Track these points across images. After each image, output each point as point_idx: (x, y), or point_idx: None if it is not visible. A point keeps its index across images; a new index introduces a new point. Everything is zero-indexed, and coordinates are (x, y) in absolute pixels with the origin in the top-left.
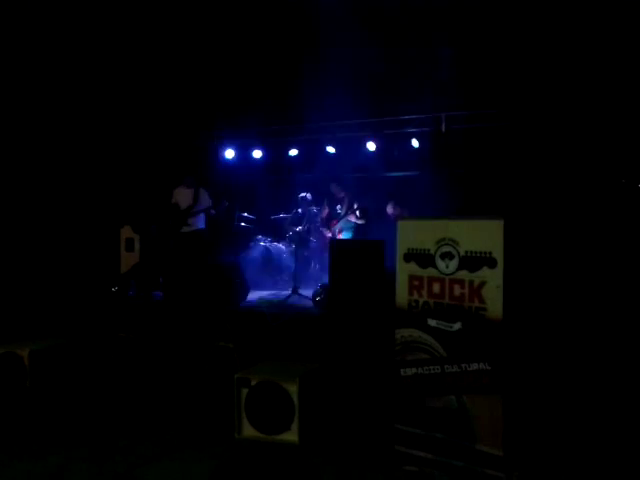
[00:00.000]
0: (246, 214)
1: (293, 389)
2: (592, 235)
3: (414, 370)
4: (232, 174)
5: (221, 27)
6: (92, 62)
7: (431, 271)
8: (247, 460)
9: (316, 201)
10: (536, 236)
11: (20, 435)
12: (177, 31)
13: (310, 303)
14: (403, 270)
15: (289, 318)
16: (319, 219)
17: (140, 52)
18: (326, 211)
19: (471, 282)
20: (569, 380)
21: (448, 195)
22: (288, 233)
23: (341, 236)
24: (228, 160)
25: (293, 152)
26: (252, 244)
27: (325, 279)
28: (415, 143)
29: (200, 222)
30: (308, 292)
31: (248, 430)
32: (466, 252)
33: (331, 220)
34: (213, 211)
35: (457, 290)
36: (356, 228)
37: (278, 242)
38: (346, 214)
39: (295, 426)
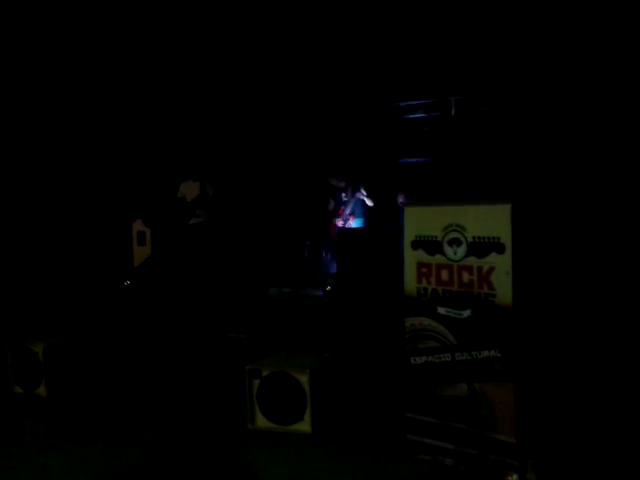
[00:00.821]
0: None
1: (304, 379)
2: (602, 219)
3: (424, 358)
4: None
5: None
6: (104, 58)
7: (439, 258)
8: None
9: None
10: (545, 220)
11: (38, 430)
12: (178, 25)
13: (320, 293)
14: (411, 257)
15: (299, 308)
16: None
17: (149, 47)
18: (331, 204)
19: (480, 268)
20: (581, 366)
21: (461, 180)
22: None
23: (352, 222)
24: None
25: None
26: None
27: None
28: (425, 128)
29: (205, 214)
30: (319, 283)
31: (261, 421)
32: (474, 238)
33: (339, 209)
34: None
35: (466, 277)
36: (366, 214)
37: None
38: (353, 196)
39: (307, 416)
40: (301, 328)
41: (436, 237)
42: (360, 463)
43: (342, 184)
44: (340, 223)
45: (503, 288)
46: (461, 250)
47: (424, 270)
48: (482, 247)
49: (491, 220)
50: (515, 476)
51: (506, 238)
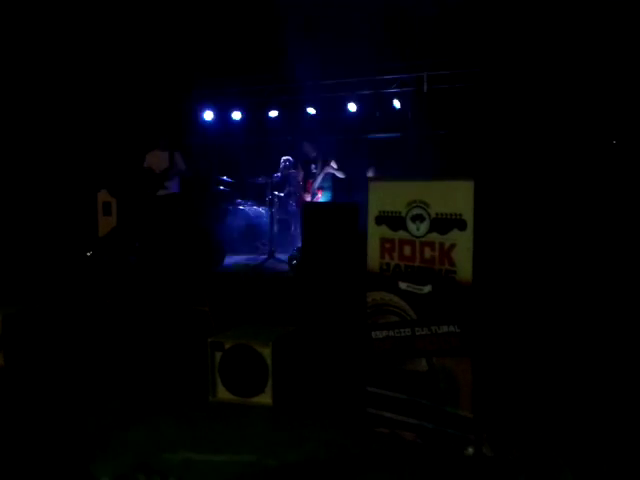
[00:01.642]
0: (225, 177)
1: (267, 352)
2: (562, 197)
3: (385, 333)
4: (211, 136)
5: None
6: (69, 24)
7: (402, 234)
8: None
9: (296, 165)
10: (507, 198)
11: None
12: None
13: (286, 267)
14: (375, 233)
15: (264, 282)
16: (296, 182)
17: (116, 10)
18: (301, 174)
19: (441, 244)
20: (537, 341)
21: (430, 157)
22: (268, 197)
23: (320, 196)
24: (207, 122)
25: (273, 113)
26: (231, 208)
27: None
28: (397, 104)
29: (175, 186)
30: (286, 256)
31: (222, 393)
32: (437, 214)
33: (307, 181)
34: (189, 173)
35: (428, 253)
36: (335, 189)
37: (258, 206)
38: (322, 170)
39: (269, 389)
40: (266, 302)
41: (400, 213)
42: (319, 436)
43: (314, 154)
44: (308, 197)
45: (464, 264)
46: (424, 226)
47: (387, 245)
48: (444, 223)
49: (454, 197)
50: (471, 449)
51: (468, 215)
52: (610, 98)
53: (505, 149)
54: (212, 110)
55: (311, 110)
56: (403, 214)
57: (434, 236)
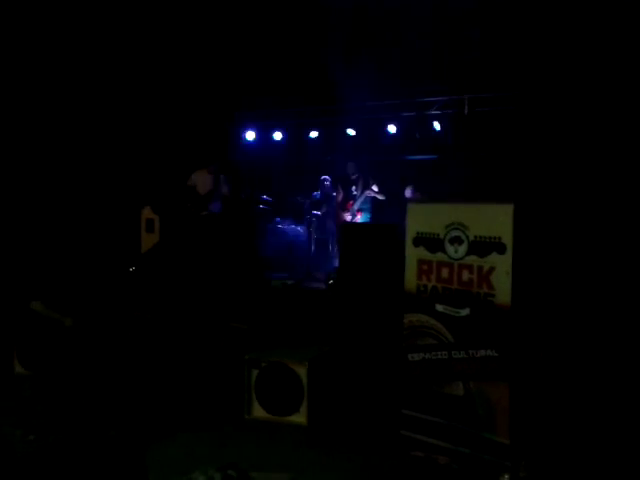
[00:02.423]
0: (265, 196)
1: (302, 371)
2: (604, 222)
3: (422, 355)
4: (252, 156)
5: (244, 9)
6: (114, 44)
7: (440, 256)
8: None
9: (335, 185)
10: (547, 222)
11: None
12: (199, 12)
13: (323, 286)
14: (412, 254)
15: (301, 301)
16: (335, 203)
17: (163, 33)
18: (341, 194)
19: (480, 267)
20: (577, 368)
21: (469, 179)
22: (306, 216)
23: (359, 217)
24: (249, 142)
25: (313, 134)
26: (270, 227)
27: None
28: (437, 126)
29: (216, 206)
30: (323, 275)
31: (258, 411)
32: (475, 237)
33: (347, 202)
34: (229, 196)
35: (466, 275)
36: (374, 209)
37: (296, 225)
38: (363, 192)
39: (304, 408)
40: (303, 320)
41: (438, 235)
42: (353, 457)
43: (355, 175)
44: (348, 217)
45: (502, 288)
46: (462, 249)
47: (425, 267)
48: (483, 246)
49: (493, 220)
50: (507, 476)
51: (507, 238)
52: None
53: (545, 172)
54: (254, 130)
55: (351, 131)
56: (441, 236)
57: (472, 259)
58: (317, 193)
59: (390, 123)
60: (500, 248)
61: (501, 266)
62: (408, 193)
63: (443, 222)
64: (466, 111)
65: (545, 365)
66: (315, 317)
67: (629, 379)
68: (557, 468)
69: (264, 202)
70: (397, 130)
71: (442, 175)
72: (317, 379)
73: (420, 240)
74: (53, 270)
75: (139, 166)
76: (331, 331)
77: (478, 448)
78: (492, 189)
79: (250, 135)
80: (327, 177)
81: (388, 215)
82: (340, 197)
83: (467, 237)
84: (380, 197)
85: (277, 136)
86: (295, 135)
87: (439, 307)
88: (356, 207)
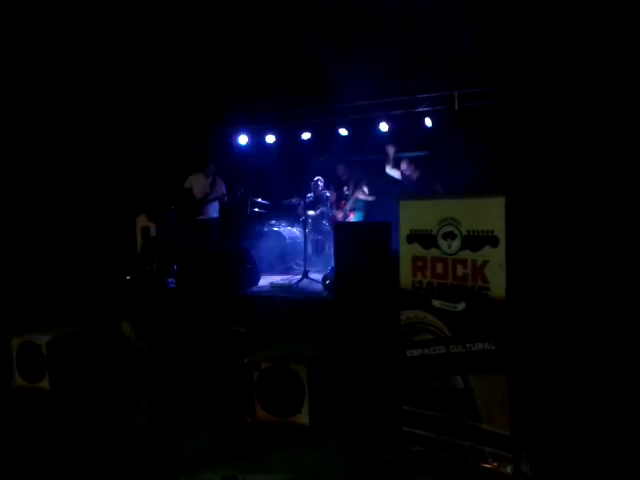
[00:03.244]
0: (260, 199)
1: (303, 372)
2: (595, 213)
3: (420, 351)
4: (245, 160)
5: (233, 11)
6: (104, 50)
7: (434, 252)
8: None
9: (328, 185)
10: (538, 214)
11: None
12: (187, 15)
13: (320, 287)
14: (406, 251)
15: (299, 302)
16: (329, 203)
17: (151, 36)
18: (334, 194)
19: (474, 262)
20: (574, 358)
21: (462, 174)
22: (301, 217)
23: (353, 217)
24: (241, 146)
25: (306, 135)
26: (266, 229)
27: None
28: (428, 122)
29: (214, 210)
30: (320, 276)
31: (259, 412)
32: (468, 231)
33: (340, 201)
34: (226, 199)
35: (460, 270)
36: (367, 208)
37: (292, 227)
38: (354, 192)
39: (306, 408)
40: (301, 321)
41: (431, 231)
42: (355, 455)
43: (346, 176)
44: (340, 216)
45: (497, 281)
46: (455, 244)
47: (419, 264)
48: (476, 240)
49: (485, 214)
50: (509, 468)
51: (500, 231)
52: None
53: (536, 165)
54: (246, 134)
55: (343, 131)
56: (434, 232)
57: (466, 253)
58: (310, 195)
59: (382, 121)
60: (493, 241)
61: (494, 259)
62: (404, 166)
63: (436, 218)
64: (456, 106)
65: (542, 355)
66: (313, 317)
67: (625, 369)
68: (557, 458)
69: (259, 205)
70: (389, 128)
71: (435, 171)
72: (317, 379)
73: (414, 237)
74: (49, 279)
75: (133, 174)
76: (330, 331)
77: (478, 440)
78: (485, 184)
79: (243, 139)
80: (319, 177)
81: (381, 213)
82: (333, 197)
83: (460, 232)
84: (370, 199)
85: (269, 139)
86: (287, 137)
87: (435, 303)
88: (349, 207)
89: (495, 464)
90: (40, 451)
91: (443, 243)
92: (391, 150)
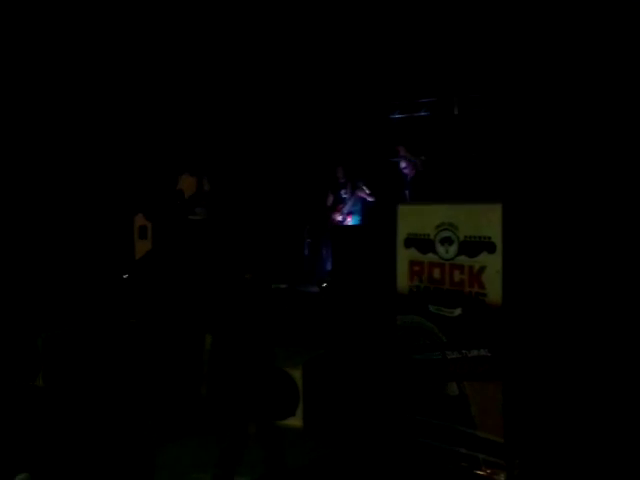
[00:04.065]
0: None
1: (297, 375)
2: (592, 220)
3: (416, 356)
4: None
5: (224, 19)
6: (99, 50)
7: (431, 257)
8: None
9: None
10: (536, 220)
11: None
12: (177, 20)
13: (316, 289)
14: (403, 256)
15: (295, 303)
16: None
17: (146, 35)
18: (330, 198)
19: (471, 267)
20: (569, 365)
21: (460, 180)
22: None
23: (350, 220)
24: None
25: None
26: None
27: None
28: (428, 127)
29: (204, 211)
30: (316, 279)
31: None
32: (465, 237)
33: (337, 205)
34: (217, 197)
35: (457, 275)
36: (364, 212)
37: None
38: (353, 194)
39: (300, 411)
40: (296, 324)
41: (428, 235)
42: (348, 459)
43: (344, 179)
44: (339, 220)
45: (493, 287)
46: (453, 249)
47: (416, 268)
48: (473, 246)
49: (482, 220)
50: (503, 476)
51: (497, 238)
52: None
53: (534, 172)
54: None
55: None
56: (432, 237)
57: (463, 259)
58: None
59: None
60: (490, 247)
61: (492, 265)
62: (402, 152)
63: (433, 223)
64: (456, 112)
65: (538, 362)
66: (309, 320)
67: (620, 374)
68: (550, 465)
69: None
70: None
71: (433, 176)
72: (312, 382)
73: (411, 241)
74: (47, 278)
75: (131, 173)
76: (325, 334)
77: (473, 447)
78: (483, 190)
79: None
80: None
81: (378, 217)
82: (329, 202)
83: (457, 237)
84: (370, 199)
85: None
86: None
87: (432, 308)
88: (346, 210)
89: (489, 471)
90: None
91: (440, 248)
92: (402, 150)
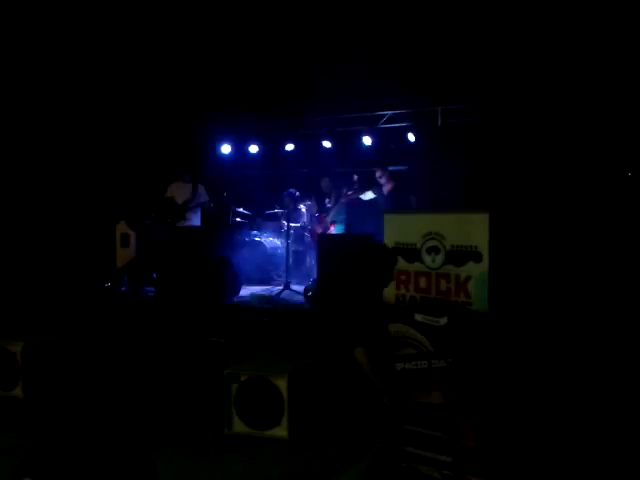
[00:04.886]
0: (242, 209)
1: (282, 384)
2: (580, 229)
3: (401, 365)
4: (228, 169)
5: (218, 22)
6: (87, 57)
7: (418, 266)
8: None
9: (309, 197)
10: (523, 230)
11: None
12: (173, 24)
13: (302, 298)
14: None
15: (280, 312)
16: (309, 215)
17: (136, 46)
18: (315, 207)
19: (457, 276)
20: (557, 372)
21: (445, 189)
22: (283, 228)
23: (333, 229)
24: (224, 155)
25: (289, 147)
26: (247, 239)
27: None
28: (411, 137)
29: (196, 218)
30: (302, 287)
31: (238, 425)
32: (452, 246)
33: (321, 214)
34: (211, 205)
35: (443, 285)
36: (348, 221)
37: (273, 237)
38: (337, 202)
39: (285, 421)
40: (282, 333)
41: (415, 245)
42: (333, 470)
43: (329, 190)
44: (319, 230)
45: (479, 296)
46: (439, 258)
47: (403, 277)
48: (460, 256)
49: (469, 229)
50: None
51: (483, 247)
52: (626, 131)
53: (520, 181)
54: (230, 143)
55: (327, 144)
56: (418, 246)
57: (449, 268)
58: (277, 208)
59: (365, 135)
60: (476, 257)
61: (477, 275)
62: (378, 173)
63: (420, 232)
64: (439, 122)
65: (524, 371)
66: (295, 330)
67: (605, 381)
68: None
69: (241, 215)
70: (372, 142)
71: (419, 186)
72: (297, 392)
73: (398, 250)
74: (27, 286)
75: (113, 181)
76: (311, 343)
77: (459, 456)
78: (468, 199)
79: (226, 148)
80: (291, 191)
81: (362, 226)
82: (315, 209)
83: (444, 246)
84: (372, 196)
85: (253, 149)
86: (271, 148)
87: (418, 317)
88: (329, 219)
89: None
90: None
91: (427, 257)
92: (355, 177)
